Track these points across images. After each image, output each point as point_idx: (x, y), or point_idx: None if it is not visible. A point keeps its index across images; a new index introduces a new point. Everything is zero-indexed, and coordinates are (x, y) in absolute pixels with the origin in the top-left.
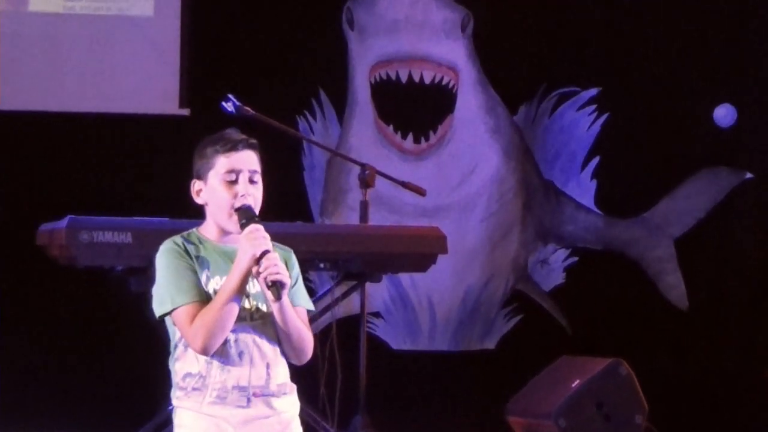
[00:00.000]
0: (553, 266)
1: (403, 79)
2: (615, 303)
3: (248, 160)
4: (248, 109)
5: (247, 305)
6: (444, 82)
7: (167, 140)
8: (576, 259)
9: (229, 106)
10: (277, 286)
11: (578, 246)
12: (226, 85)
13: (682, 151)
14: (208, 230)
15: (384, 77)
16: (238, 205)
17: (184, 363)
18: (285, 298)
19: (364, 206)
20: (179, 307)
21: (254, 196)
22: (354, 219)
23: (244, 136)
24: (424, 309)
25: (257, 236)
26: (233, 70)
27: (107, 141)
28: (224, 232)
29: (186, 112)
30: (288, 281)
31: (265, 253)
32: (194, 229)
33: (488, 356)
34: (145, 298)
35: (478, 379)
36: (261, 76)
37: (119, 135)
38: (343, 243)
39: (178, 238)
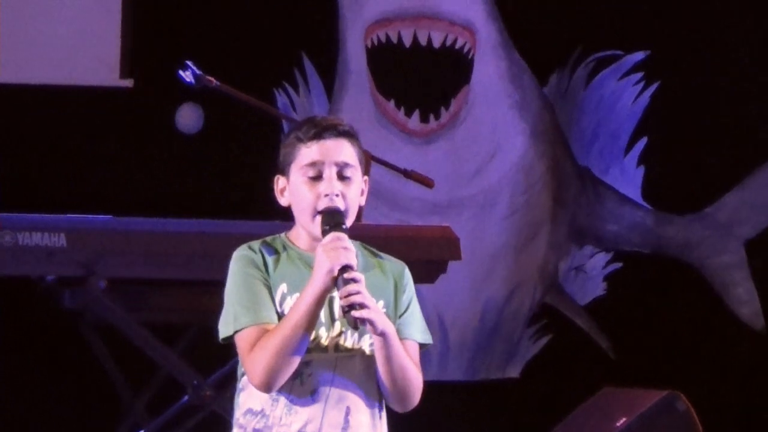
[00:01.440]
0: (591, 274)
1: (407, 42)
2: (669, 320)
3: (337, 150)
4: (212, 79)
5: (330, 334)
6: (458, 46)
7: (106, 119)
8: (619, 265)
9: (187, 76)
10: (351, 315)
11: (622, 249)
12: (181, 50)
13: (752, 132)
14: (296, 236)
15: (383, 40)
16: (321, 207)
17: (248, 396)
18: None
19: None
20: (242, 329)
21: (345, 196)
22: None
23: (335, 121)
24: (433, 329)
25: (336, 246)
26: (191, 30)
27: (32, 119)
28: (315, 239)
29: (129, 83)
30: (370, 313)
31: (345, 269)
32: (282, 234)
33: (512, 387)
34: (82, 315)
35: (500, 414)
36: (229, 38)
37: (46, 112)
38: None
39: (255, 244)
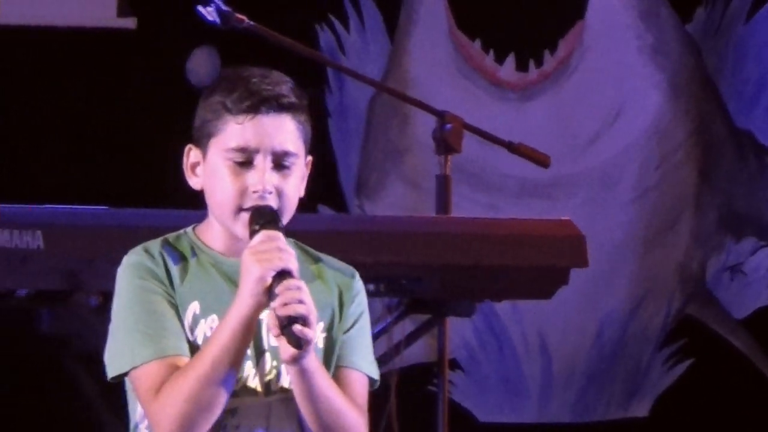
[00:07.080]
0: (753, 277)
1: None
2: None
3: (277, 132)
4: (242, 17)
5: (259, 371)
6: None
7: (102, 69)
8: None
9: (209, 13)
10: (293, 331)
11: None
12: None
13: None
14: (209, 233)
15: None
16: (249, 204)
17: None
18: (311, 357)
19: (442, 184)
20: (141, 365)
21: (281, 193)
22: (419, 204)
23: (278, 88)
24: (533, 354)
25: (269, 249)
26: None
27: (10, 67)
28: (234, 238)
29: (130, 23)
30: (313, 325)
31: (283, 276)
32: (189, 229)
33: (639, 429)
34: (65, 344)
35: None
36: None
37: (28, 58)
38: (405, 248)
39: (154, 246)
